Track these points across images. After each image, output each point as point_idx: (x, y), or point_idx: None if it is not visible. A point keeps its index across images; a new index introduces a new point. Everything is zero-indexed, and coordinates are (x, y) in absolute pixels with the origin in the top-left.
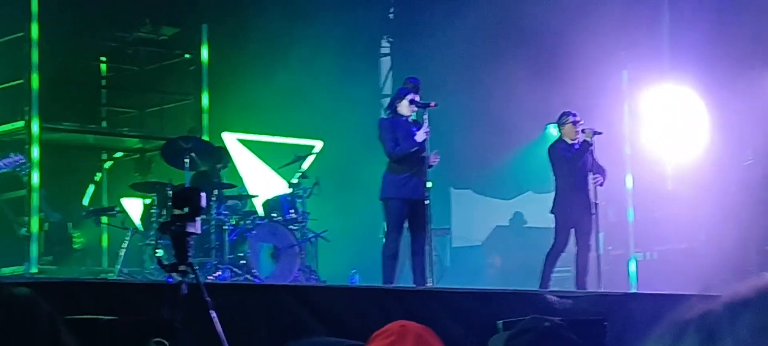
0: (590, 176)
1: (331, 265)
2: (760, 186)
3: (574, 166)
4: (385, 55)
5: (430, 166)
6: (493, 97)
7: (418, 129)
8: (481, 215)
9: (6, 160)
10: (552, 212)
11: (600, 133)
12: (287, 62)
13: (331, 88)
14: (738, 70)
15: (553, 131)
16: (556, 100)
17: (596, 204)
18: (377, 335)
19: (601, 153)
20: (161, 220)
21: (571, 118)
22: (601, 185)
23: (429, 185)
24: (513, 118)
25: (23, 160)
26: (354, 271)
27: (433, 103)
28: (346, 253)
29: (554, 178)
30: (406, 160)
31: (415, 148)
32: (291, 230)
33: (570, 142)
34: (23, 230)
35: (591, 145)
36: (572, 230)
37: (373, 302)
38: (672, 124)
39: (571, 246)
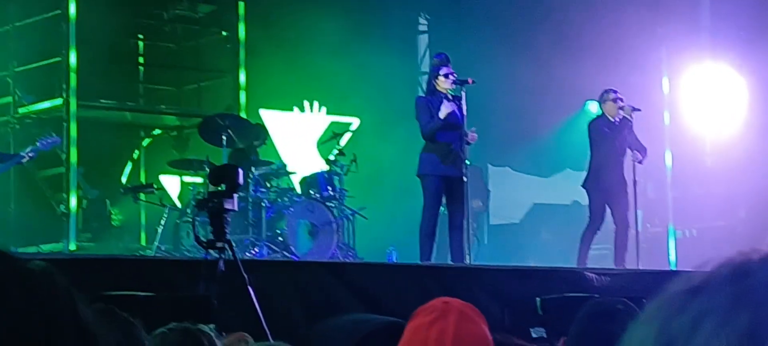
0: (628, 154)
1: (369, 242)
2: None
3: (612, 142)
4: (423, 32)
5: (469, 144)
6: (531, 74)
7: (457, 104)
8: (519, 193)
9: (44, 142)
10: (584, 186)
11: (638, 110)
12: (324, 39)
13: (369, 66)
14: None
15: (593, 108)
16: (595, 76)
17: (635, 181)
18: (420, 312)
19: (639, 130)
20: (199, 197)
21: (612, 95)
22: (640, 162)
23: (467, 161)
24: (551, 95)
25: (59, 142)
26: (391, 248)
27: (470, 80)
28: (384, 230)
29: (590, 153)
30: (444, 137)
31: (441, 124)
32: (328, 207)
33: (611, 119)
34: (61, 208)
35: (630, 122)
36: (606, 207)
37: (410, 280)
38: (711, 101)
39: (610, 223)
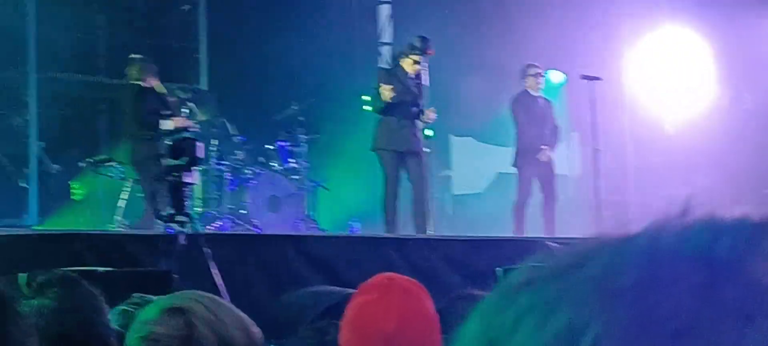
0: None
1: (332, 214)
2: (758, 130)
3: (535, 118)
4: (384, 1)
5: (426, 122)
6: (494, 43)
7: (416, 80)
8: (482, 163)
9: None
10: (514, 165)
11: (599, 78)
12: (286, 8)
13: (330, 36)
14: (739, 10)
15: (554, 76)
16: (557, 44)
17: (596, 150)
18: (362, 289)
19: (599, 97)
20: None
21: (533, 70)
22: (551, 152)
23: (429, 133)
24: (514, 64)
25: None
26: (354, 219)
27: (431, 51)
28: (347, 202)
29: (516, 131)
30: (398, 111)
31: (383, 106)
32: (291, 179)
33: (533, 93)
34: (22, 183)
35: (550, 101)
36: (533, 180)
37: (372, 251)
38: (673, 66)
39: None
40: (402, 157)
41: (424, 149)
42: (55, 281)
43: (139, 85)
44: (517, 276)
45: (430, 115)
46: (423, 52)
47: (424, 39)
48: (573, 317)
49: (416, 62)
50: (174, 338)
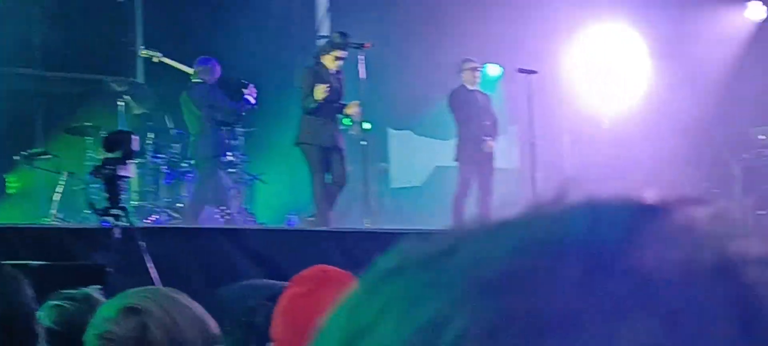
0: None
1: (269, 207)
2: (694, 124)
3: (474, 111)
4: None
5: (348, 116)
6: (432, 37)
7: (339, 78)
8: (420, 156)
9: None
10: (456, 159)
11: (535, 72)
12: (223, 0)
13: (265, 29)
14: (675, 4)
15: (491, 70)
16: (495, 38)
17: (534, 143)
18: (296, 281)
19: (536, 91)
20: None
21: (470, 65)
22: (491, 142)
23: (367, 125)
24: (451, 58)
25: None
26: (291, 213)
27: (367, 44)
28: (284, 195)
29: (456, 125)
30: (321, 108)
31: (315, 106)
32: (228, 172)
33: (469, 88)
34: None
35: (487, 94)
36: (474, 174)
37: (310, 244)
38: (608, 61)
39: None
40: (326, 152)
41: (362, 142)
42: None
43: (205, 83)
44: (387, 262)
45: (355, 109)
46: (343, 47)
47: (343, 34)
48: (437, 310)
49: (338, 58)
50: (128, 340)
